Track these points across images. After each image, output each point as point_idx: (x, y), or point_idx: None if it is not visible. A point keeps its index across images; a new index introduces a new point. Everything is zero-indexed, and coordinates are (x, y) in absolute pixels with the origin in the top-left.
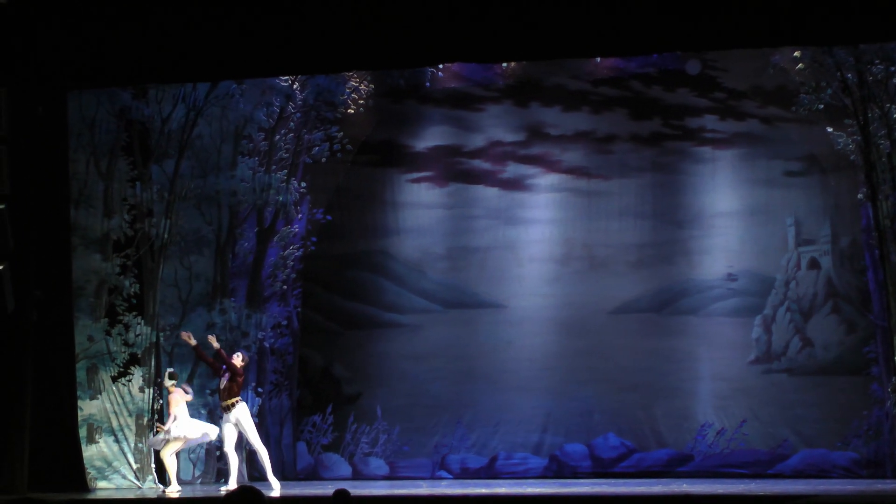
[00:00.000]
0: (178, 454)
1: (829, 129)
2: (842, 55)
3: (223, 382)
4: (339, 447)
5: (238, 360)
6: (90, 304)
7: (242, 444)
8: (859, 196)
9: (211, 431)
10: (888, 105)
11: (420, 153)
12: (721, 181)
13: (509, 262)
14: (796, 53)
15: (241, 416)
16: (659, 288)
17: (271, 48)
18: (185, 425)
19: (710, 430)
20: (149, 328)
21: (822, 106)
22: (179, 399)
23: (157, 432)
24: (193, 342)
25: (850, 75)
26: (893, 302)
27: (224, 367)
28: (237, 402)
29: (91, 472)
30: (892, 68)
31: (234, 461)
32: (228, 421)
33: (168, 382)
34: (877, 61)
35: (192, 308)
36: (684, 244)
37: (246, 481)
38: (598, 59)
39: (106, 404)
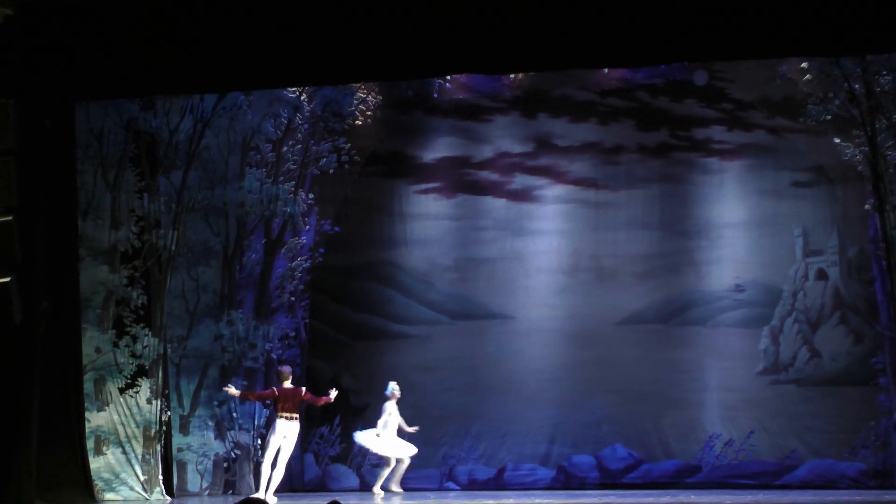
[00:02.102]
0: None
1: (837, 140)
2: (849, 66)
3: None
4: (346, 459)
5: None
6: (98, 315)
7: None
8: (867, 207)
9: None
10: (895, 115)
11: (428, 164)
12: (728, 192)
13: (517, 273)
14: (804, 64)
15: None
16: (666, 299)
17: (279, 59)
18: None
19: (717, 441)
20: (156, 340)
21: (829, 117)
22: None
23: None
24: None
25: (857, 86)
26: None
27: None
28: (277, 417)
29: (98, 484)
30: None
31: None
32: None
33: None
34: (884, 72)
35: (199, 319)
36: (692, 255)
37: (253, 492)
38: (606, 70)
39: (113, 416)
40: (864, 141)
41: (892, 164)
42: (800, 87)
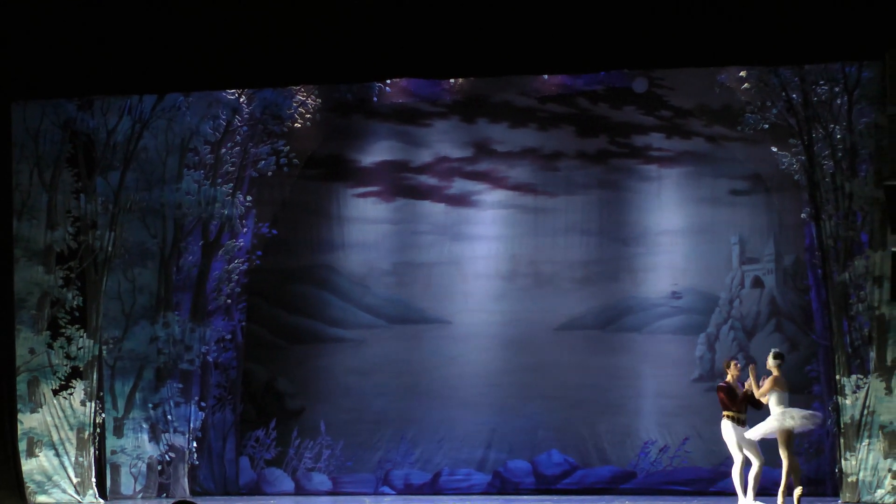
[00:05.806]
0: None
1: (774, 149)
2: (787, 75)
3: None
4: (282, 462)
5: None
6: (32, 316)
7: None
8: (803, 215)
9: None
10: (832, 125)
11: (367, 168)
12: (666, 199)
13: (455, 278)
14: (742, 73)
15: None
16: (604, 305)
17: (218, 61)
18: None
19: (653, 448)
20: (91, 341)
21: (767, 125)
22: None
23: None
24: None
25: (795, 95)
26: (835, 321)
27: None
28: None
29: (30, 486)
30: (837, 89)
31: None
32: None
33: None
34: (821, 82)
35: (135, 321)
36: (629, 261)
37: (187, 496)
38: (546, 76)
39: (47, 418)
40: (800, 150)
41: (828, 174)
42: (738, 95)
